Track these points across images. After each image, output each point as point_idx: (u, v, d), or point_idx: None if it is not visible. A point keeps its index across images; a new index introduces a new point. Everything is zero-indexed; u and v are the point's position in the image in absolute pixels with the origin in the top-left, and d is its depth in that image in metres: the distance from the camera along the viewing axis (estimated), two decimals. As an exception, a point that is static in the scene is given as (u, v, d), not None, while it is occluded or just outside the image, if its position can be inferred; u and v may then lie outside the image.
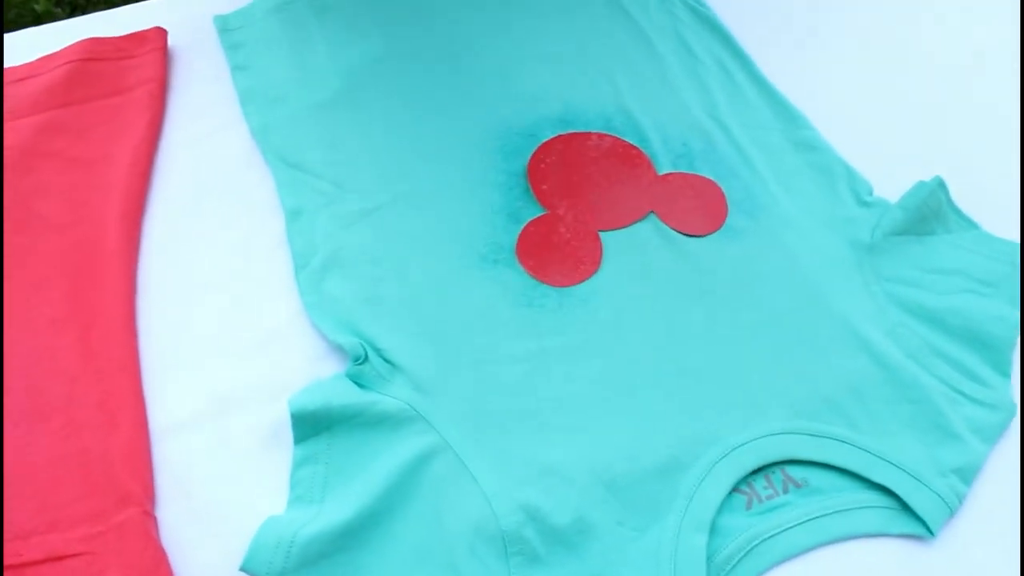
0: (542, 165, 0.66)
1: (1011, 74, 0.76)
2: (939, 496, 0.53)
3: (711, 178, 0.67)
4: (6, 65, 0.72)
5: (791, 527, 0.53)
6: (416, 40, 0.74)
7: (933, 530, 0.53)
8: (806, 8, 0.80)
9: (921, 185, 0.65)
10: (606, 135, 0.68)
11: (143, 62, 0.72)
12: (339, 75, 0.72)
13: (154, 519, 0.53)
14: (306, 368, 0.58)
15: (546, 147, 0.67)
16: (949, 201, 0.65)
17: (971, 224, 0.65)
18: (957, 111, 0.73)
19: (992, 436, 0.57)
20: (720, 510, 0.53)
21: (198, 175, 0.67)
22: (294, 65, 0.73)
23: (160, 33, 0.74)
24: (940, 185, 0.65)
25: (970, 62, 0.77)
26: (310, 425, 0.54)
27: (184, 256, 0.63)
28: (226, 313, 0.61)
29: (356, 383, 0.56)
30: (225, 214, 0.65)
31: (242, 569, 0.49)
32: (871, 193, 0.66)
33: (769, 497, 0.54)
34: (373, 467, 0.53)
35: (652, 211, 0.64)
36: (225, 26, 0.75)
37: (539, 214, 0.64)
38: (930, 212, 0.64)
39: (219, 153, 0.69)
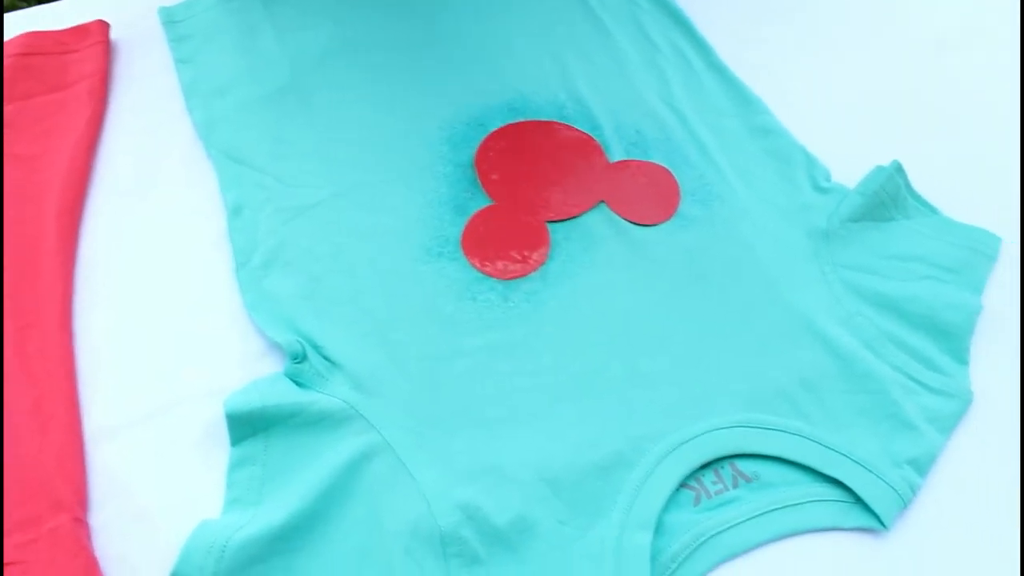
0: (490, 155, 0.65)
1: (970, 58, 0.75)
2: (892, 488, 0.52)
3: (664, 165, 0.65)
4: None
5: (739, 523, 0.51)
6: (366, 30, 0.73)
7: (886, 523, 0.52)
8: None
9: (879, 170, 0.63)
10: (556, 123, 0.67)
11: (85, 56, 0.70)
12: (287, 66, 0.70)
13: (86, 525, 0.52)
14: (245, 368, 0.57)
15: (494, 137, 0.66)
16: (908, 186, 0.64)
17: (931, 209, 0.64)
18: (917, 95, 0.72)
19: (949, 425, 0.55)
20: (667, 507, 0.52)
21: (140, 171, 0.66)
22: (240, 57, 0.71)
23: (102, 26, 0.72)
24: (898, 170, 0.63)
25: (930, 46, 0.75)
26: (247, 426, 0.53)
27: (124, 255, 0.62)
28: (165, 312, 0.60)
29: (295, 382, 0.55)
30: (167, 211, 0.64)
31: (173, 575, 0.48)
32: (829, 179, 0.65)
33: (718, 492, 0.53)
34: (311, 468, 0.52)
35: (602, 200, 0.63)
36: (170, 18, 0.74)
37: (486, 205, 0.62)
38: (888, 198, 0.63)
39: (162, 149, 0.67)
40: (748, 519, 0.52)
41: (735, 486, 0.53)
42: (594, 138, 0.66)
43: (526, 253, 0.60)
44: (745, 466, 0.53)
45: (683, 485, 0.53)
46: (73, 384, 0.56)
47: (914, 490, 0.53)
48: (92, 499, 0.53)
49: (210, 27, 0.73)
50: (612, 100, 0.69)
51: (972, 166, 0.67)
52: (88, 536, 0.51)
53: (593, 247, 0.61)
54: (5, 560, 0.49)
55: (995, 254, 0.62)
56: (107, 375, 0.57)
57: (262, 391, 0.53)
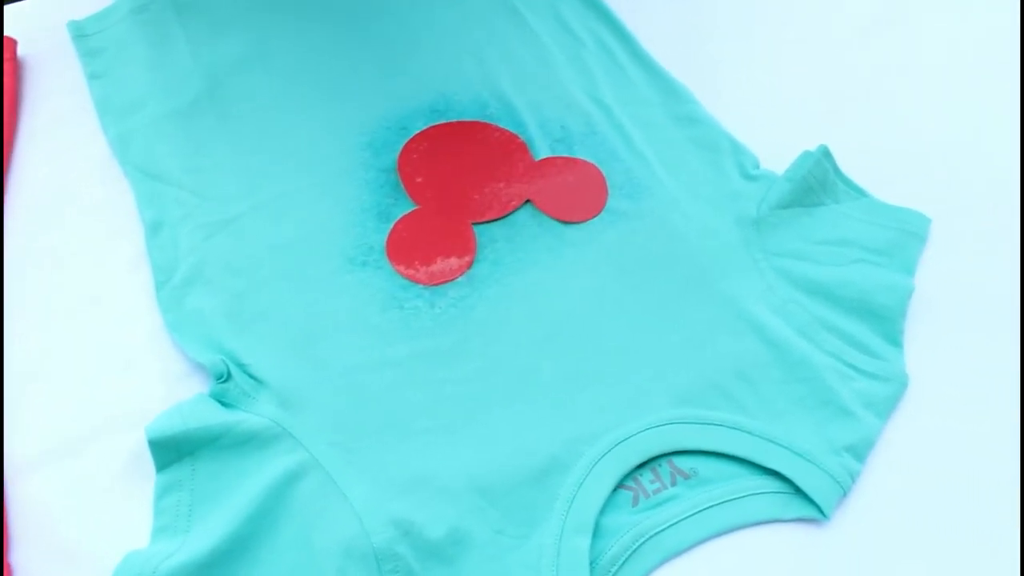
0: (413, 158, 0.64)
1: (894, 39, 0.75)
2: (831, 476, 0.52)
3: (591, 161, 0.64)
4: None
5: (679, 520, 0.51)
6: (281, 38, 0.71)
7: (826, 512, 0.51)
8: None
9: (806, 155, 0.63)
10: (480, 123, 0.66)
11: (-9, 75, 0.68)
12: (202, 77, 0.69)
13: (7, 565, 0.50)
14: (168, 391, 0.55)
15: (417, 139, 0.65)
16: (836, 170, 0.64)
17: (860, 192, 0.64)
18: (842, 78, 0.72)
19: (885, 409, 0.55)
20: (604, 509, 0.51)
21: (54, 191, 0.64)
22: (153, 70, 0.69)
23: (9, 43, 0.70)
24: (825, 154, 0.63)
25: (853, 29, 0.75)
26: (171, 451, 0.51)
27: (40, 278, 0.60)
28: (84, 336, 0.58)
29: (220, 402, 0.53)
30: (83, 231, 0.62)
31: (99, 610, 0.46)
32: (757, 166, 0.65)
33: (656, 491, 0.52)
34: (240, 490, 0.50)
35: (529, 199, 0.62)
36: (80, 32, 0.72)
37: (410, 210, 0.61)
38: (816, 182, 0.62)
39: (76, 167, 0.66)
40: (688, 516, 0.51)
41: (673, 484, 0.52)
42: (519, 136, 0.65)
43: (452, 257, 0.59)
44: (683, 463, 0.53)
45: (621, 486, 0.52)
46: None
47: (853, 477, 0.52)
48: (13, 535, 0.51)
49: (122, 40, 0.71)
50: (536, 97, 0.68)
51: (900, 146, 0.67)
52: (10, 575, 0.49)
53: (521, 248, 0.60)
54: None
55: (925, 234, 0.62)
56: (24, 404, 0.55)
57: (185, 414, 0.52)
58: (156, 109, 0.67)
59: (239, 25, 0.72)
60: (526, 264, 0.59)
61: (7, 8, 0.75)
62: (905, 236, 0.61)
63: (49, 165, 0.66)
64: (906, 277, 0.59)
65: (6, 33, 0.71)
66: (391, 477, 0.51)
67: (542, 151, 0.65)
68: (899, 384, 0.56)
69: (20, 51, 0.71)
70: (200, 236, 0.60)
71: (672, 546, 0.50)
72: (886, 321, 0.58)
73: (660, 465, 0.53)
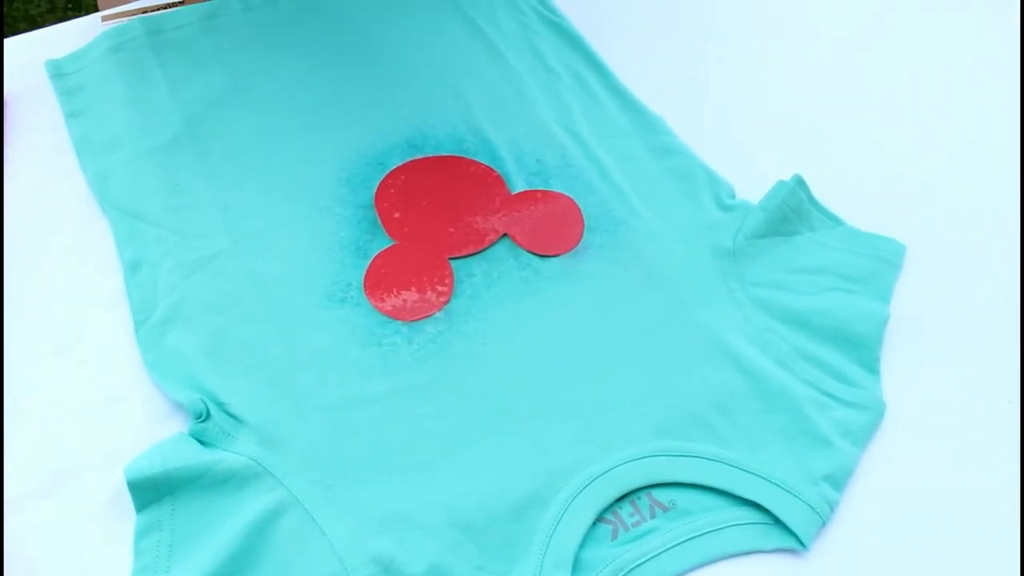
0: (390, 193, 0.64)
1: (863, 68, 0.75)
2: (810, 506, 0.52)
3: (567, 194, 0.64)
4: None
5: (659, 553, 0.51)
6: (258, 75, 0.72)
7: (805, 542, 0.51)
8: (662, 12, 0.79)
9: (781, 185, 0.64)
10: (457, 157, 0.66)
11: (-31, 115, 0.68)
12: (180, 115, 0.69)
13: (-14, 606, 0.49)
14: (149, 430, 0.55)
15: (393, 175, 0.65)
16: (811, 198, 0.64)
17: (836, 220, 0.65)
18: (815, 108, 0.72)
19: (863, 438, 0.55)
20: (584, 543, 0.51)
21: (31, 230, 0.64)
22: (132, 108, 0.70)
23: (-13, 83, 0.70)
24: (799, 183, 0.64)
25: (824, 59, 0.76)
26: (150, 491, 0.51)
27: (18, 318, 0.60)
28: (62, 376, 0.58)
29: (199, 441, 0.53)
30: (61, 270, 0.62)
31: (78, 654, 0.46)
32: (733, 196, 0.65)
33: (636, 524, 0.52)
34: (220, 530, 0.50)
35: (505, 233, 0.62)
36: (58, 71, 0.72)
37: (388, 246, 0.61)
38: (791, 212, 0.63)
39: (55, 205, 0.66)
40: (667, 549, 0.51)
41: (652, 516, 0.52)
42: (495, 170, 0.66)
43: (429, 292, 0.59)
44: (661, 495, 0.53)
45: (600, 519, 0.52)
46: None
47: (832, 507, 0.52)
48: (-7, 577, 0.51)
49: (100, 79, 0.72)
50: (512, 130, 0.69)
51: (874, 174, 0.68)
52: (-11, 619, 0.49)
53: (498, 282, 0.60)
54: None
55: (900, 261, 0.62)
56: (4, 445, 0.55)
57: (165, 454, 0.52)
58: (135, 147, 0.67)
59: (217, 62, 0.72)
60: (503, 298, 0.60)
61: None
62: (881, 264, 0.62)
63: (28, 203, 0.66)
64: (882, 305, 0.60)
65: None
66: (371, 514, 0.51)
67: (519, 184, 0.65)
68: (876, 412, 0.56)
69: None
70: (179, 274, 0.60)
71: (652, 579, 0.50)
72: (863, 349, 0.58)
73: (639, 498, 0.53)
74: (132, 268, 0.61)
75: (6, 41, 0.76)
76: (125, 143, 0.68)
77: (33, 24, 0.75)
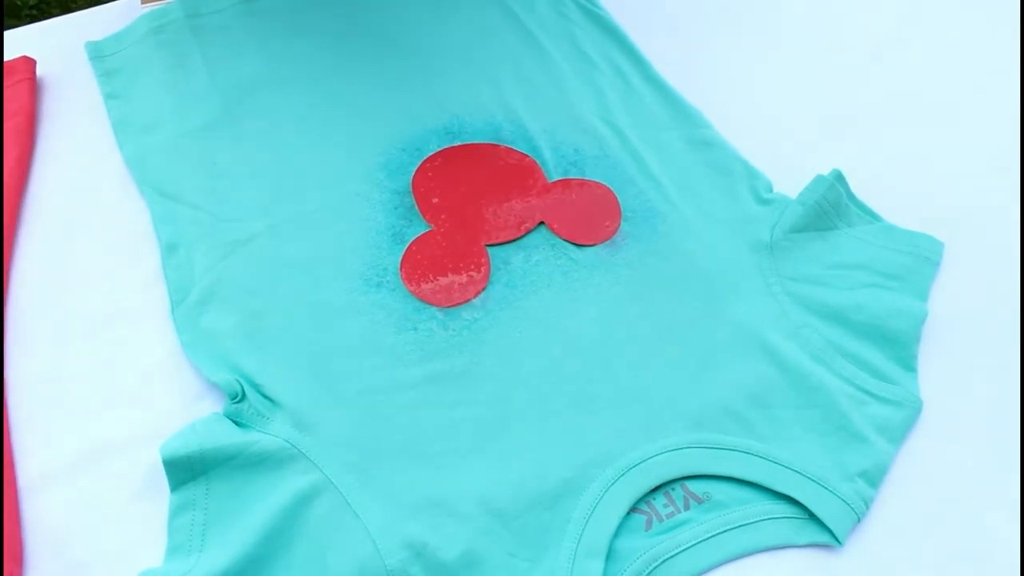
0: (428, 179, 0.64)
1: (904, 63, 0.75)
2: (845, 502, 0.52)
3: (604, 183, 0.64)
4: None
5: (693, 545, 0.51)
6: (297, 60, 0.72)
7: (840, 538, 0.51)
8: (702, 5, 0.79)
9: (819, 179, 0.63)
10: (494, 145, 0.66)
11: (10, 95, 0.69)
12: (218, 98, 0.69)
13: (21, 581, 0.50)
14: (184, 410, 0.56)
15: (430, 161, 0.65)
16: (849, 194, 0.64)
17: (874, 216, 0.64)
18: (855, 102, 0.72)
19: (899, 435, 0.55)
20: (618, 533, 0.51)
21: (70, 210, 0.65)
22: (171, 90, 0.70)
23: (28, 63, 0.70)
24: (839, 178, 0.63)
25: (864, 54, 0.75)
26: (185, 470, 0.51)
27: (56, 297, 0.61)
28: (99, 355, 0.58)
29: (234, 422, 0.53)
30: (99, 250, 0.63)
31: (113, 629, 0.46)
32: (770, 190, 0.65)
33: (670, 515, 0.52)
34: (254, 511, 0.50)
35: (542, 221, 0.62)
36: (97, 52, 0.72)
37: (424, 231, 0.61)
38: (830, 207, 0.62)
39: (92, 186, 0.66)
40: (701, 541, 0.51)
41: (687, 508, 0.52)
42: (532, 158, 0.65)
43: (466, 279, 0.59)
44: (696, 487, 0.53)
45: (634, 509, 0.52)
46: (5, 434, 0.54)
47: (867, 503, 0.52)
48: (27, 553, 0.51)
49: (139, 61, 0.72)
50: (549, 119, 0.68)
51: (913, 170, 0.67)
52: (24, 592, 0.49)
53: (534, 270, 0.60)
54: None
55: (938, 259, 0.62)
56: (40, 422, 0.55)
57: (200, 433, 0.52)
58: (173, 129, 0.67)
59: (255, 46, 0.72)
60: (539, 286, 0.60)
61: (26, 28, 0.75)
62: (919, 261, 0.61)
63: (66, 183, 0.66)
64: (919, 302, 0.60)
65: (24, 52, 0.71)
66: (404, 499, 0.51)
67: (555, 173, 0.65)
68: (912, 409, 0.56)
69: (39, 71, 0.71)
70: (216, 256, 0.60)
71: (685, 570, 0.50)
72: (899, 346, 0.58)
73: (673, 489, 0.53)
74: (169, 249, 0.61)
75: (44, 23, 0.77)
76: (163, 125, 0.68)
77: (67, 9, 0.75)
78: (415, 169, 0.65)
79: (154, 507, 0.52)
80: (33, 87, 0.70)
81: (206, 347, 0.57)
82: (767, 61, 0.75)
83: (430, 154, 0.66)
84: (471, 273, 0.59)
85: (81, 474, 0.54)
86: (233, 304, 0.58)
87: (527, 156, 0.66)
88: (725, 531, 0.51)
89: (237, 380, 0.54)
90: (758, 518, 0.52)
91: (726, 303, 0.59)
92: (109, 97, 0.70)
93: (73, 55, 0.73)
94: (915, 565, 0.51)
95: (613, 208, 0.63)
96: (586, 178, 0.65)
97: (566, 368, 0.56)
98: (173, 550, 0.50)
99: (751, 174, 0.66)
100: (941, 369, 0.58)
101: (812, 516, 0.52)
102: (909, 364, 0.57)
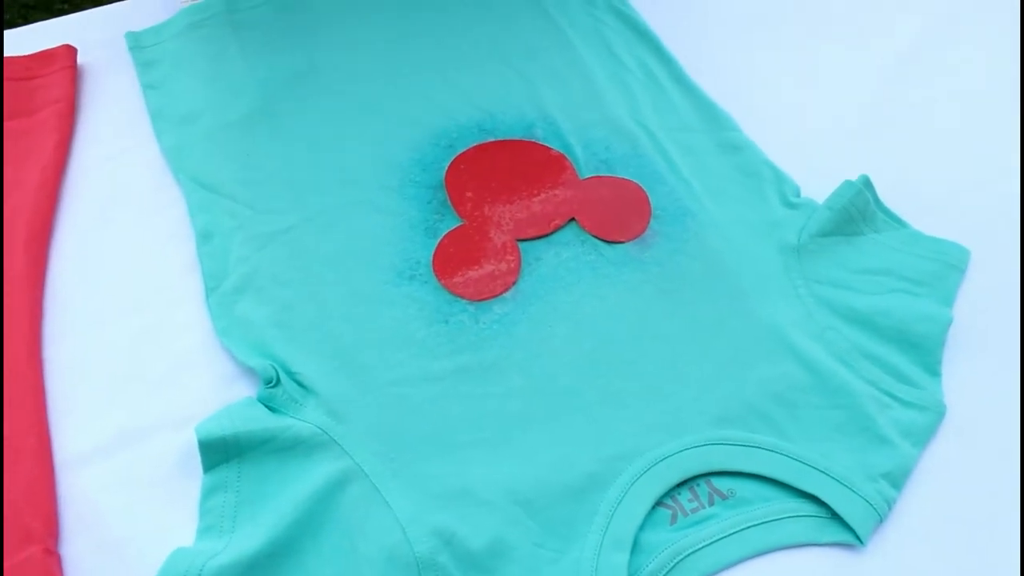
0: (461, 174, 0.65)
1: (933, 70, 0.75)
2: (868, 503, 0.52)
3: (636, 181, 0.65)
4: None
5: (716, 540, 0.51)
6: (334, 55, 0.73)
7: (862, 538, 0.52)
8: (732, 8, 0.79)
9: (848, 185, 0.63)
10: (526, 141, 0.67)
11: (51, 82, 0.70)
12: (256, 92, 0.70)
13: (57, 556, 0.51)
14: (217, 394, 0.57)
15: (463, 157, 0.66)
16: (876, 200, 0.64)
17: (900, 223, 0.64)
18: (883, 109, 0.72)
19: (922, 438, 0.55)
20: (643, 526, 0.51)
21: (107, 197, 0.66)
22: (209, 83, 0.71)
23: (69, 51, 0.72)
24: (866, 184, 0.64)
25: (893, 60, 0.76)
26: (219, 452, 0.52)
27: (93, 281, 0.62)
28: (135, 339, 0.59)
29: (268, 407, 0.54)
30: (135, 237, 0.64)
31: (146, 605, 0.47)
32: (798, 194, 0.65)
33: (694, 510, 0.53)
34: (285, 495, 0.51)
35: (574, 218, 0.63)
36: (137, 43, 0.74)
37: (456, 226, 0.62)
38: (857, 212, 0.63)
39: (130, 174, 0.67)
40: (725, 536, 0.51)
41: (711, 503, 0.53)
42: (564, 155, 0.66)
43: (497, 273, 0.60)
44: (721, 483, 0.53)
45: (659, 504, 0.53)
46: (42, 413, 0.55)
47: (890, 504, 0.53)
48: (63, 529, 0.52)
49: (178, 53, 0.73)
50: (581, 118, 0.69)
51: (940, 177, 0.67)
52: (59, 567, 0.50)
53: (564, 265, 0.61)
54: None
55: (964, 266, 0.62)
56: (77, 402, 0.56)
57: (234, 417, 0.53)
58: (210, 121, 0.68)
59: (293, 42, 0.73)
60: (570, 282, 0.60)
61: (68, 18, 0.76)
62: (944, 267, 0.62)
63: (104, 170, 0.67)
64: (945, 308, 0.60)
65: (66, 41, 0.72)
66: (433, 488, 0.52)
67: (587, 171, 0.66)
68: (936, 414, 0.56)
69: (79, 60, 0.72)
70: (251, 247, 0.61)
71: (709, 565, 0.51)
72: (924, 351, 0.58)
73: (698, 485, 0.53)
74: (204, 237, 0.62)
75: (83, 14, 0.78)
76: (201, 116, 0.69)
77: (98, 3, 0.76)
78: (448, 164, 0.65)
79: (187, 487, 0.53)
80: (74, 75, 0.71)
81: (240, 334, 0.58)
82: (796, 65, 0.75)
83: (463, 151, 0.66)
84: (502, 267, 0.60)
85: (116, 454, 0.55)
86: (267, 294, 0.59)
87: (559, 153, 0.66)
88: (748, 527, 0.52)
89: (272, 365, 0.55)
90: (781, 516, 0.52)
91: (753, 303, 0.60)
92: (148, 87, 0.71)
93: (114, 45, 0.74)
94: (937, 567, 0.52)
95: (643, 206, 0.64)
96: (617, 176, 0.65)
97: (594, 363, 0.57)
98: (204, 530, 0.51)
99: (779, 178, 0.66)
100: (965, 375, 0.58)
101: (835, 515, 0.52)
102: (934, 369, 0.58)
